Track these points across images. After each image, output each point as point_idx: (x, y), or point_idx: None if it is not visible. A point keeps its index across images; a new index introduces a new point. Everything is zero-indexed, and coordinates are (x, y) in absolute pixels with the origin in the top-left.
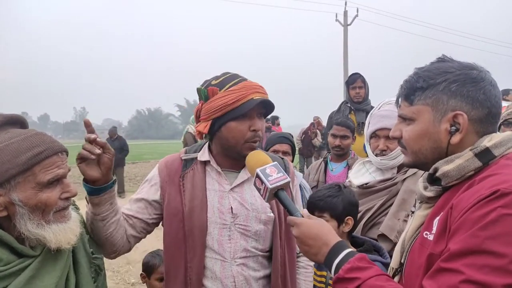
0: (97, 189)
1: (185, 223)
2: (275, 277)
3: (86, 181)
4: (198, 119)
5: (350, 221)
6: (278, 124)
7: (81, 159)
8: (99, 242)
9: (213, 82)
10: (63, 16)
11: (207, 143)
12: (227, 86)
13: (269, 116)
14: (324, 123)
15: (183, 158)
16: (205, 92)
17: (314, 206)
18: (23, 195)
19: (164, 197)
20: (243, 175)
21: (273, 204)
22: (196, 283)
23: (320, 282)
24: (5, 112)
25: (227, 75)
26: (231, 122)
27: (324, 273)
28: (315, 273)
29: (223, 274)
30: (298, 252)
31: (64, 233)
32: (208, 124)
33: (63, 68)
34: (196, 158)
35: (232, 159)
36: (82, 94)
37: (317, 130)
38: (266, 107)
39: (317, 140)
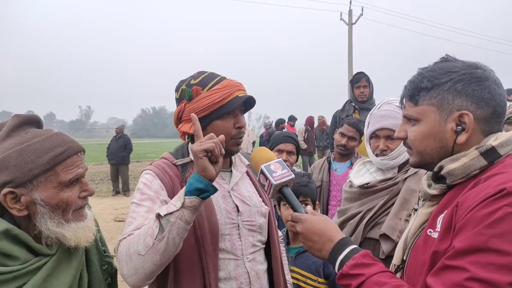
0: (213, 188)
1: (196, 228)
2: (277, 266)
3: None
4: (179, 120)
5: (318, 206)
6: (293, 125)
7: (206, 153)
8: (163, 263)
9: (193, 82)
10: (70, 17)
11: (189, 145)
12: (209, 85)
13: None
14: (328, 122)
15: (178, 164)
16: (190, 92)
17: (299, 192)
18: (45, 194)
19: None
20: (237, 173)
21: (262, 197)
22: (214, 287)
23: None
24: (11, 110)
25: (205, 74)
26: (217, 120)
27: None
28: (314, 280)
29: (237, 273)
30: None
31: (83, 231)
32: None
33: (69, 68)
34: (190, 161)
35: None
36: (87, 93)
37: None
38: (246, 104)
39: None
